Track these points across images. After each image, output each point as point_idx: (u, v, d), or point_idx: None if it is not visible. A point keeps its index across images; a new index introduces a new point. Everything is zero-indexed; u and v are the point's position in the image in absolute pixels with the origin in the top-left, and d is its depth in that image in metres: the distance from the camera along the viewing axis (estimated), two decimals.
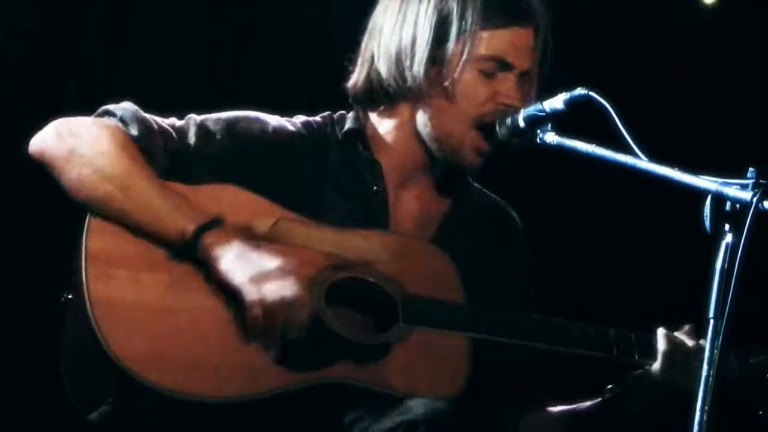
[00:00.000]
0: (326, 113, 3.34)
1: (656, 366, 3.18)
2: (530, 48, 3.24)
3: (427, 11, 3.21)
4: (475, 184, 3.43)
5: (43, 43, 4.49)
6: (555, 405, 3.36)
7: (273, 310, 2.93)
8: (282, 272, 2.97)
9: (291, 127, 3.26)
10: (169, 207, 3.01)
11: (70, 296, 2.99)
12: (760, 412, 3.26)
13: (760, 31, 5.12)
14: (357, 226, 3.17)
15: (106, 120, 3.11)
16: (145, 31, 4.61)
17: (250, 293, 2.93)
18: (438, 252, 3.22)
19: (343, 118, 3.33)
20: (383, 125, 3.30)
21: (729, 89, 5.10)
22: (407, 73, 3.21)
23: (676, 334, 3.21)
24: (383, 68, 3.24)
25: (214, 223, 2.99)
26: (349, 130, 3.29)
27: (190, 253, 2.97)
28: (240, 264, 2.95)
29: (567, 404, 3.35)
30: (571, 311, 3.25)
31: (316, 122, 3.31)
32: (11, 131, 4.40)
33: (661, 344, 3.18)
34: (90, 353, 2.91)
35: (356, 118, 3.31)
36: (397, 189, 3.29)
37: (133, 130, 3.09)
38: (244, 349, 2.96)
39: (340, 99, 3.36)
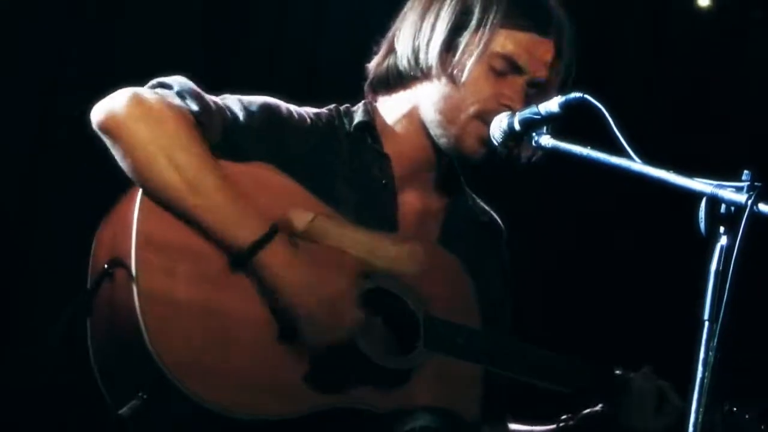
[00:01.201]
0: (332, 106, 3.35)
1: (621, 409, 3.30)
2: (546, 60, 3.24)
3: (452, 1, 3.24)
4: (467, 189, 3.44)
5: (40, 37, 4.50)
6: (512, 422, 3.42)
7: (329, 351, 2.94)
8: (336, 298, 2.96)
9: (306, 115, 3.27)
10: (230, 214, 2.94)
11: (111, 270, 2.89)
12: None
13: (754, 34, 5.13)
14: (366, 220, 3.16)
15: (173, 100, 3.01)
16: (137, 29, 4.63)
17: (310, 333, 2.93)
18: (460, 270, 3.23)
19: (349, 111, 3.33)
20: (392, 114, 3.31)
21: (723, 92, 5.12)
22: (421, 54, 3.23)
23: (634, 377, 3.33)
24: (400, 48, 3.27)
25: (268, 237, 2.94)
26: (360, 123, 3.29)
27: (243, 267, 2.92)
28: (300, 292, 2.93)
29: (521, 424, 3.41)
30: (564, 316, 3.27)
31: (324, 114, 3.32)
32: (7, 131, 4.45)
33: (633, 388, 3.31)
34: (128, 342, 2.84)
35: (366, 111, 3.31)
36: (403, 183, 3.29)
37: (193, 105, 3.03)
38: (279, 365, 2.93)
39: (336, 100, 3.37)
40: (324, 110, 3.32)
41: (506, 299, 3.42)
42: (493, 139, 3.18)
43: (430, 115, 3.26)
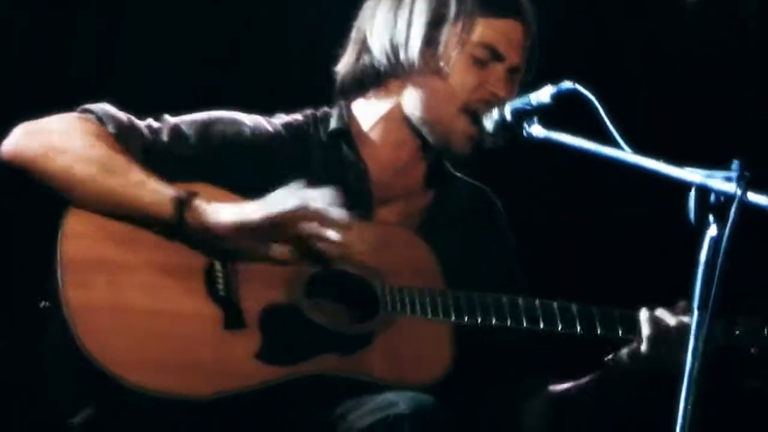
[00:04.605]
0: (309, 111, 3.34)
1: (642, 347, 3.19)
2: (520, 44, 3.26)
3: None
4: (456, 173, 3.43)
5: (34, 51, 4.49)
6: (557, 384, 3.36)
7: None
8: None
9: (270, 129, 3.26)
10: (151, 186, 3.01)
11: (47, 304, 2.99)
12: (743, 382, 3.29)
13: (741, 28, 5.15)
14: None
15: (79, 115, 3.11)
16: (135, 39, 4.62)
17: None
18: (418, 240, 3.24)
19: (326, 116, 3.32)
20: (370, 117, 3.30)
21: (712, 84, 5.13)
22: (402, 52, 3.23)
23: (657, 314, 3.22)
24: (376, 46, 3.25)
25: (192, 195, 3.01)
26: (334, 130, 3.29)
27: (179, 225, 2.98)
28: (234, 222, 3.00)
29: (566, 382, 3.36)
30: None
31: (297, 122, 3.31)
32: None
33: (645, 328, 3.20)
34: (70, 358, 2.91)
35: (340, 117, 3.30)
36: (382, 188, 3.29)
37: (111, 128, 3.10)
38: (227, 346, 2.98)
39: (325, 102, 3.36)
40: (298, 116, 3.32)
41: (506, 278, 3.36)
42: (485, 129, 3.20)
43: (416, 113, 3.25)
